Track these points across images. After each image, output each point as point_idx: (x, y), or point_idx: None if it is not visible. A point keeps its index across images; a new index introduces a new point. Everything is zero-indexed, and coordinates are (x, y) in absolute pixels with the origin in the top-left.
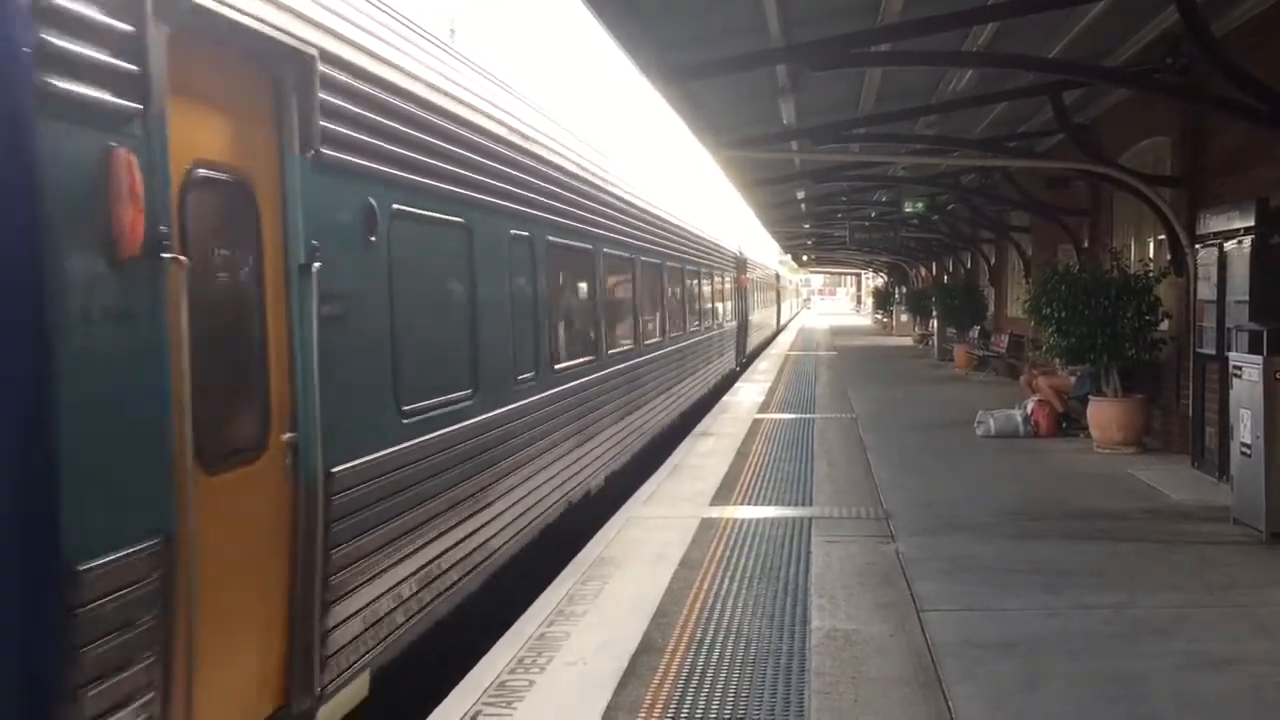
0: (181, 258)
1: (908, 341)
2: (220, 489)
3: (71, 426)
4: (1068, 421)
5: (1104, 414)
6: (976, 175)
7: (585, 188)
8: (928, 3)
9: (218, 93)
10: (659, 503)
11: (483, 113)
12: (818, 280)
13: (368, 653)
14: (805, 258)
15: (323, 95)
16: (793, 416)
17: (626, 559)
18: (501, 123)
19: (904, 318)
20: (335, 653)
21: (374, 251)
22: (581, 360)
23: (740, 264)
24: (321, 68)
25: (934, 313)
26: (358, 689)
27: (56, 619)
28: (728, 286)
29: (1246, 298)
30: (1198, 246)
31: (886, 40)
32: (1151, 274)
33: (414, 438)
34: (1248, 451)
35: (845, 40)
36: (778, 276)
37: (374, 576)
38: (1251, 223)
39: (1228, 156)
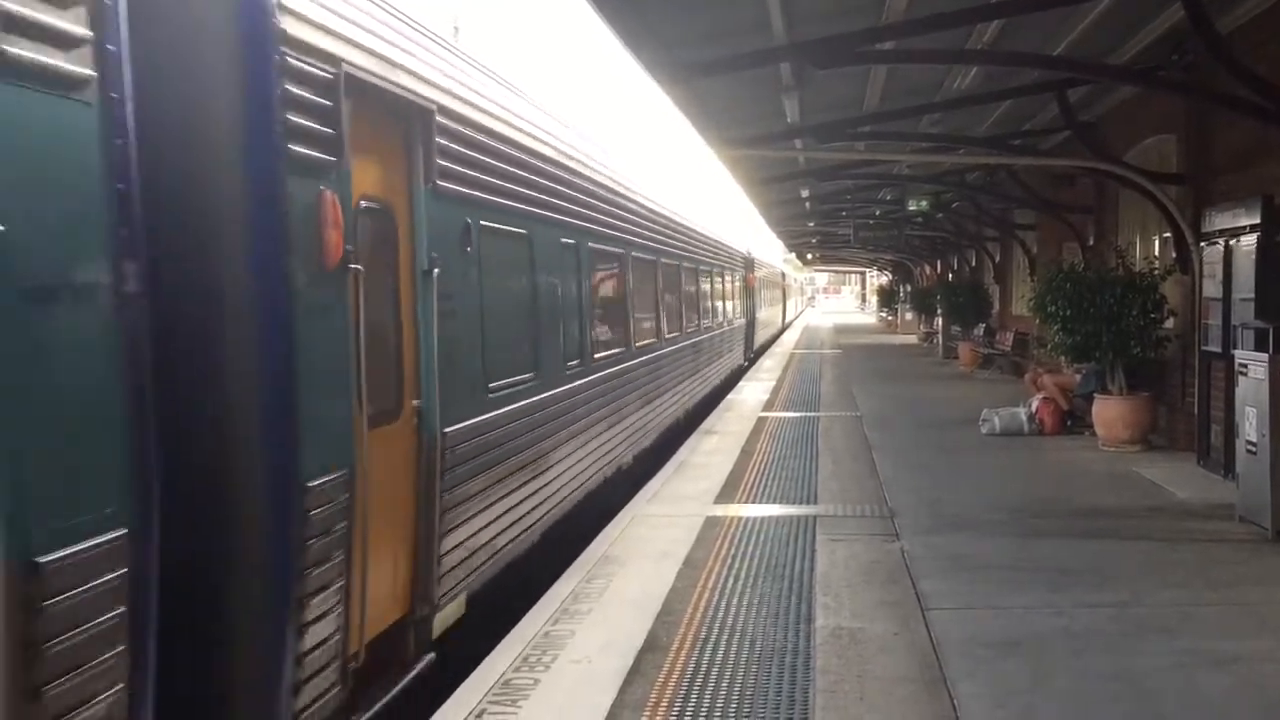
0: (359, 267)
1: (912, 340)
2: (375, 440)
3: (304, 391)
4: (1073, 419)
5: (1109, 412)
6: (981, 173)
7: (617, 198)
8: (932, 0)
9: (372, 142)
10: (663, 501)
11: (539, 140)
12: (822, 279)
13: (465, 578)
14: (810, 256)
15: (437, 139)
16: (797, 414)
17: (631, 557)
18: (553, 146)
19: (909, 316)
20: (445, 573)
21: (469, 259)
22: (615, 351)
23: (748, 263)
24: (437, 118)
25: (939, 311)
26: (458, 606)
27: (296, 521)
28: (737, 285)
29: (1252, 295)
30: (1203, 244)
31: (891, 38)
32: (1157, 271)
33: (496, 409)
34: (1253, 449)
35: (849, 38)
36: (783, 275)
37: (470, 518)
38: (1257, 220)
39: (1233, 154)
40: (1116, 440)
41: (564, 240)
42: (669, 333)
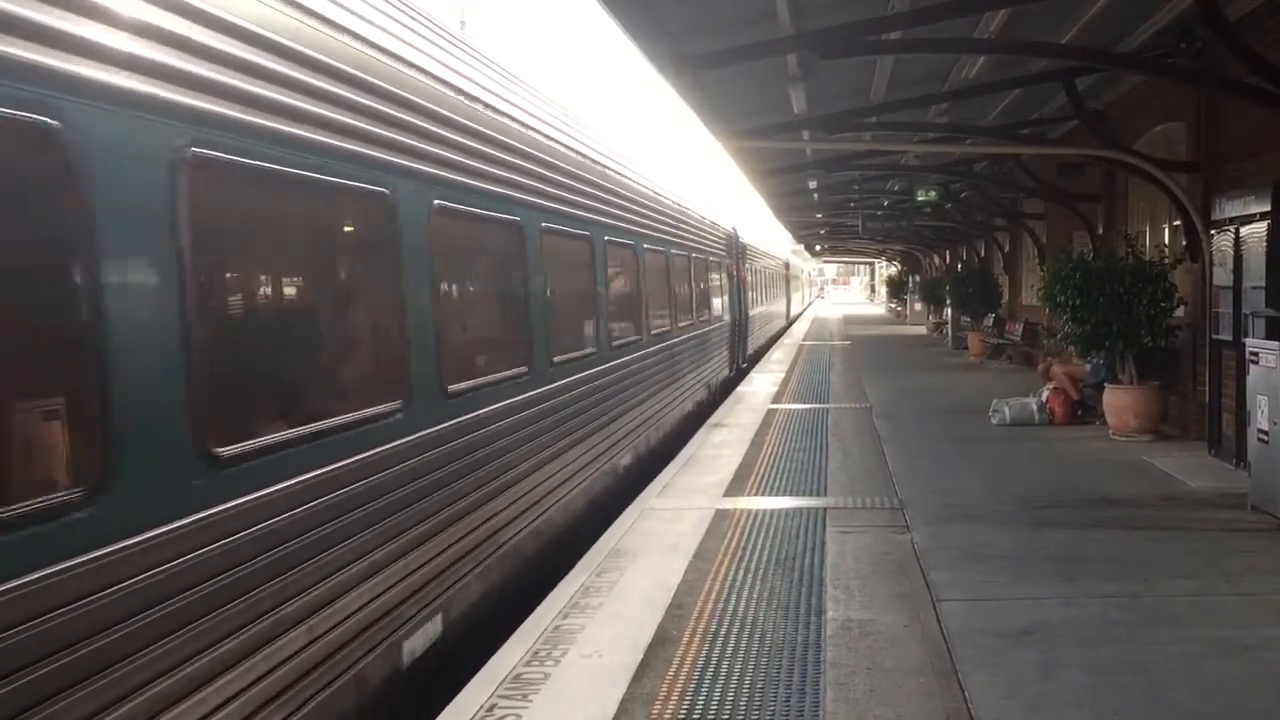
0: (732, 275)
1: (922, 330)
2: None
3: (743, 304)
4: (1083, 409)
5: (1119, 401)
6: (989, 163)
7: (771, 254)
8: None
9: (730, 253)
10: (673, 494)
11: (761, 245)
12: (831, 270)
13: (750, 353)
14: (819, 247)
15: (748, 253)
16: (807, 406)
17: (641, 551)
18: (766, 248)
19: (918, 306)
20: (748, 352)
21: (750, 276)
22: (760, 305)
23: (786, 265)
24: (749, 249)
25: (948, 301)
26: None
27: (741, 329)
28: (780, 280)
29: (1263, 283)
30: (1213, 232)
31: (897, 28)
32: (1167, 260)
33: (752, 313)
34: (1265, 438)
35: (856, 28)
36: (803, 270)
37: (751, 338)
38: (1268, 207)
39: (1243, 141)
40: (1127, 430)
41: (759, 267)
42: (765, 302)
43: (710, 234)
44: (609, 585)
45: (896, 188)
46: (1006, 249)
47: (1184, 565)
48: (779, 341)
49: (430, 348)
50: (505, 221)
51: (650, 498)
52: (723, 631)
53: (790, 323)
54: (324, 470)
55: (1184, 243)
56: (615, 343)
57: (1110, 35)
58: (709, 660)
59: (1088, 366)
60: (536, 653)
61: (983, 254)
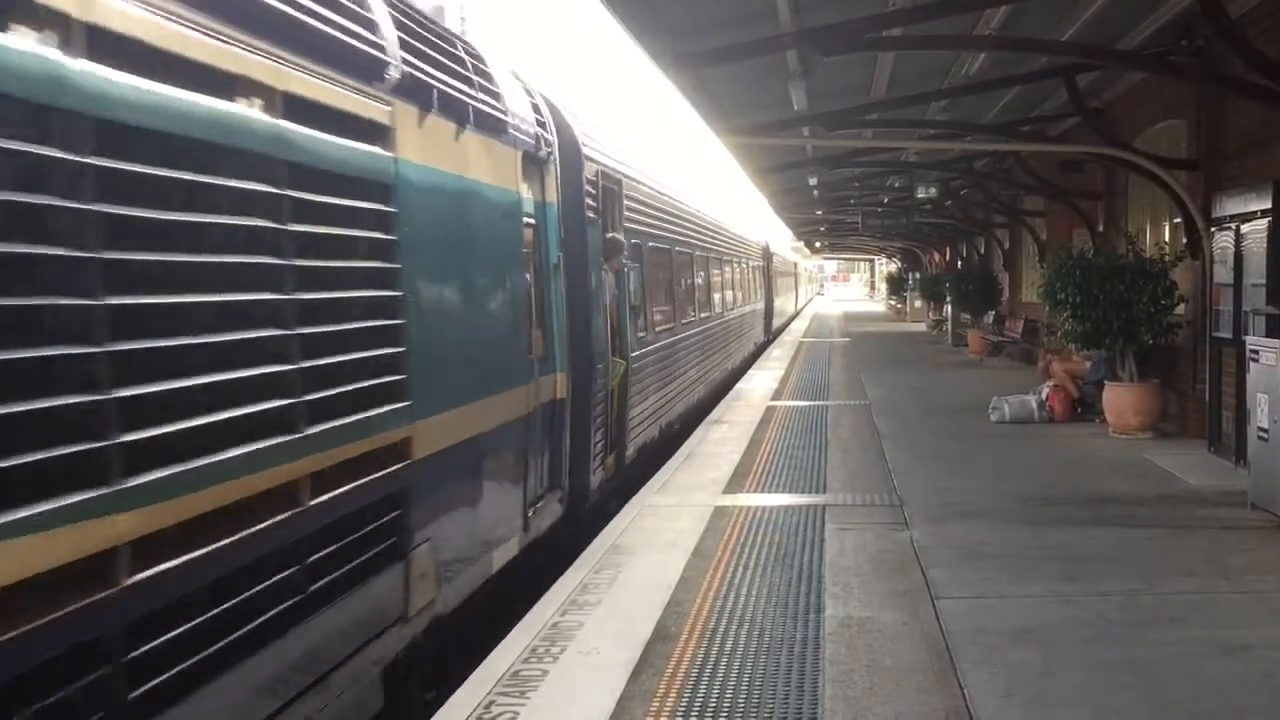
0: (764, 274)
1: (921, 327)
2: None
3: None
4: (1083, 407)
5: (1119, 399)
6: (990, 160)
7: (785, 258)
8: None
9: (763, 259)
10: (672, 491)
11: (778, 251)
12: (831, 266)
13: (773, 330)
14: (818, 244)
15: (774, 258)
16: (806, 403)
17: (640, 548)
18: (783, 254)
19: (918, 304)
20: (773, 326)
21: (770, 275)
22: (779, 297)
23: (795, 265)
24: (774, 255)
25: (948, 298)
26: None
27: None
28: (791, 277)
29: (1263, 281)
30: (1214, 229)
31: (898, 24)
32: (1167, 258)
33: (771, 302)
34: (1265, 436)
35: (856, 24)
36: (807, 269)
37: (776, 316)
38: (1268, 205)
39: (1244, 138)
40: (1127, 427)
41: (779, 268)
42: (782, 295)
43: (754, 246)
44: (607, 582)
45: (897, 184)
46: (1006, 246)
47: (1183, 563)
48: (784, 331)
49: (699, 299)
50: (679, 254)
51: (649, 494)
52: (721, 628)
53: (798, 311)
54: (681, 335)
55: (1184, 240)
56: (727, 306)
57: (1111, 32)
58: (707, 657)
59: (1088, 364)
60: (534, 649)
61: (983, 251)
